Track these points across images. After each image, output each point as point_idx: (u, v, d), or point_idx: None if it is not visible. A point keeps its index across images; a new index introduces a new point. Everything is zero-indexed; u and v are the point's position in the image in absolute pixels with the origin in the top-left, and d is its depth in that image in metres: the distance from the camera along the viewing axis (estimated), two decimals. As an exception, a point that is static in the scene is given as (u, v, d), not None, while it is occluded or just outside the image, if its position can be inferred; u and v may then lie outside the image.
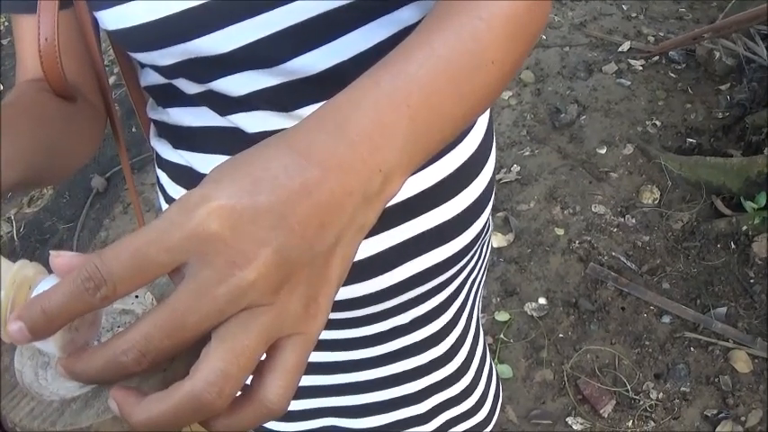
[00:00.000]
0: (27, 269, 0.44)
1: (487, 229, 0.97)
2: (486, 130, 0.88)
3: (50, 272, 0.43)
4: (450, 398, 1.05)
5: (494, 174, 0.91)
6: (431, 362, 0.99)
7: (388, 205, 0.47)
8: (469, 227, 0.87)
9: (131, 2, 0.65)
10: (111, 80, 3.42)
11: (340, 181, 0.42)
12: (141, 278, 0.39)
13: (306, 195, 0.40)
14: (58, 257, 0.42)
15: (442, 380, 1.02)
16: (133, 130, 3.26)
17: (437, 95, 0.48)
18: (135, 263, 0.38)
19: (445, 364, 1.01)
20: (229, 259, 0.38)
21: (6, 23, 4.34)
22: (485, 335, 2.31)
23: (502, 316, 2.42)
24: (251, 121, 0.74)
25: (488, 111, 0.90)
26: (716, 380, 2.18)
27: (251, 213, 0.39)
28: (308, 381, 0.98)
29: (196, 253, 0.38)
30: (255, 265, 0.38)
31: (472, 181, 0.85)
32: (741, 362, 2.20)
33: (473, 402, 1.09)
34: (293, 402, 0.99)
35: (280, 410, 0.41)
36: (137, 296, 0.52)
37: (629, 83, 3.25)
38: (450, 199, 0.83)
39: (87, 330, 0.45)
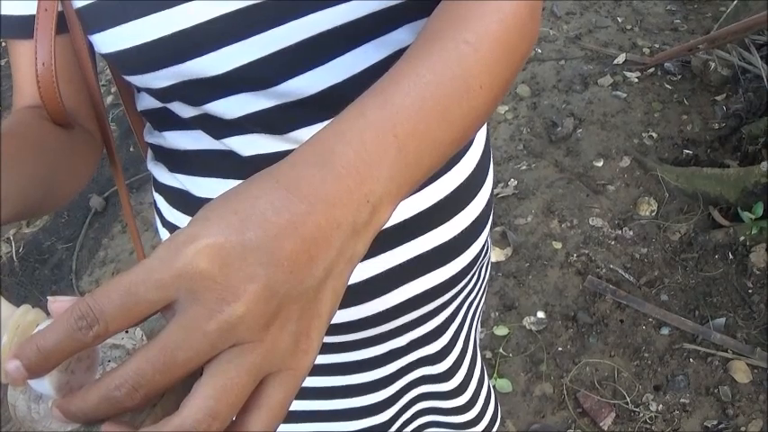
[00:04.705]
0: (29, 314, 0.44)
1: (486, 251, 0.96)
2: (484, 149, 0.87)
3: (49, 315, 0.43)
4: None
5: (492, 194, 0.90)
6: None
7: (385, 227, 0.47)
8: (468, 248, 0.86)
9: (124, 24, 0.64)
10: (109, 100, 3.43)
11: (327, 214, 0.42)
12: (132, 316, 0.39)
13: (293, 230, 0.40)
14: (56, 303, 0.42)
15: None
16: (131, 149, 3.26)
17: (424, 123, 0.48)
18: (125, 301, 0.39)
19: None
20: (218, 295, 0.38)
21: (5, 44, 4.34)
22: (484, 349, 2.33)
23: (501, 330, 2.42)
24: (245, 144, 0.73)
25: (485, 131, 0.89)
26: (715, 390, 2.18)
27: (239, 250, 0.39)
28: (304, 405, 0.97)
29: (186, 290, 0.39)
30: (244, 300, 0.38)
31: (470, 202, 0.84)
32: (740, 372, 2.20)
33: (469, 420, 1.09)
34: (288, 427, 0.99)
35: None
36: (126, 331, 0.52)
37: (625, 95, 3.26)
38: (447, 220, 0.82)
39: (83, 375, 0.45)
